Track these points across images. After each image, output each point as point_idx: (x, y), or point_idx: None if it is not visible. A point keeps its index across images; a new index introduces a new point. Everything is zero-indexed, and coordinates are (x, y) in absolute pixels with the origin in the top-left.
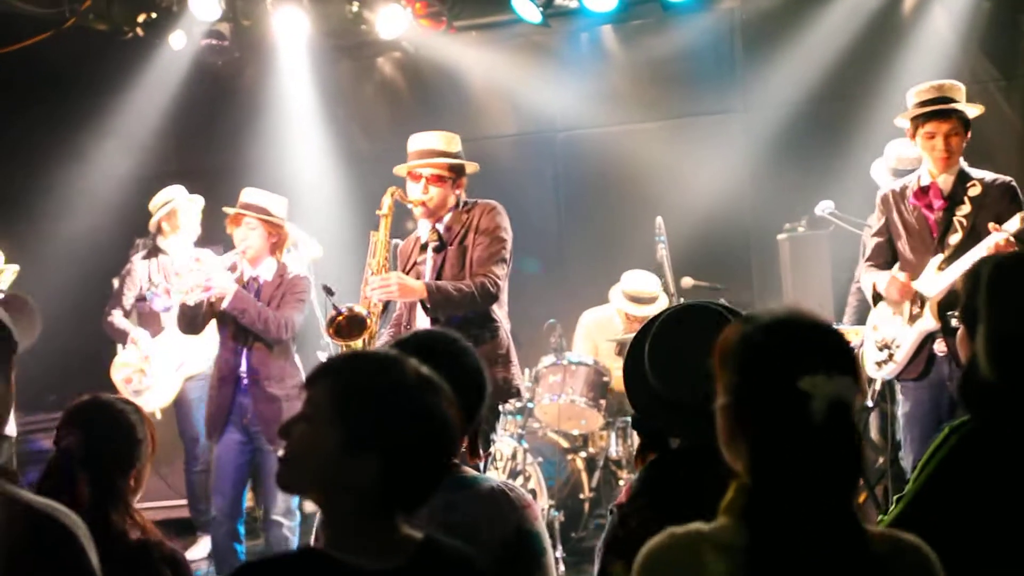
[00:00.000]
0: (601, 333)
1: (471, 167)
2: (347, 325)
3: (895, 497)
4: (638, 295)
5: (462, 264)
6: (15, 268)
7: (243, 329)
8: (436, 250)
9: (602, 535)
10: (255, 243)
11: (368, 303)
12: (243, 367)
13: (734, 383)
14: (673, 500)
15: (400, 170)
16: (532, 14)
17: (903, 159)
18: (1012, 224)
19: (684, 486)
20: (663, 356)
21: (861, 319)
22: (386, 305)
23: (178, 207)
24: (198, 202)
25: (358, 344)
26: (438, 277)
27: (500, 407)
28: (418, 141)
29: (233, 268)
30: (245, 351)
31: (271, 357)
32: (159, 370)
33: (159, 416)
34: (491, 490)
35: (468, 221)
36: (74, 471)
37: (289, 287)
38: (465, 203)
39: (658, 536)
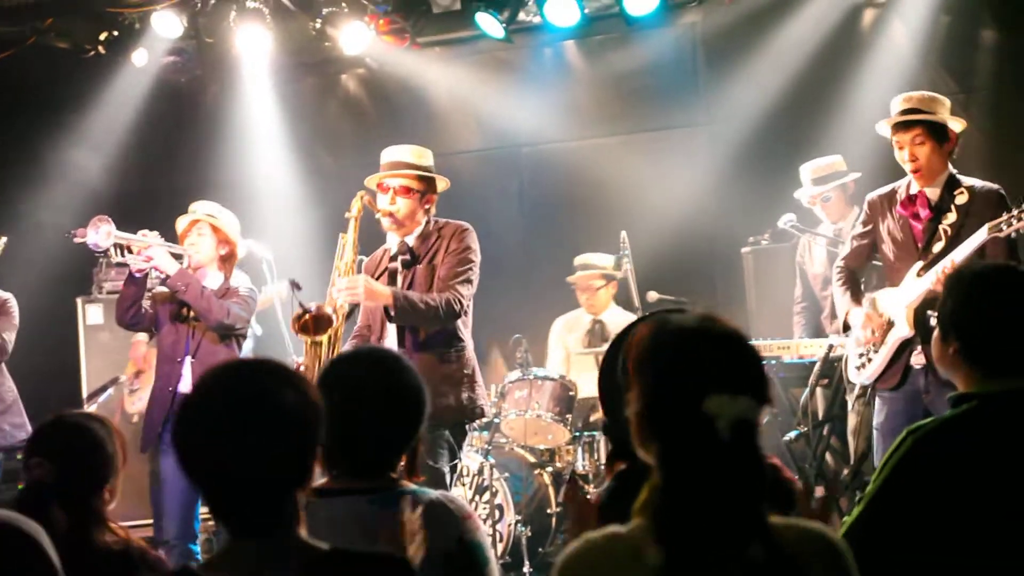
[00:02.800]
0: (570, 333)
1: (442, 182)
2: (313, 323)
3: (856, 499)
4: (584, 263)
5: (430, 283)
6: (3, 240)
7: (183, 337)
8: (405, 266)
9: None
10: (204, 249)
11: (334, 304)
12: (183, 381)
13: (644, 394)
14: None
15: (370, 182)
16: (495, 30)
17: (819, 167)
18: (977, 237)
19: None
20: None
21: (813, 334)
22: (352, 309)
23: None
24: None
25: (323, 339)
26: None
27: (467, 427)
28: (389, 154)
29: (177, 258)
30: (187, 360)
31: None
32: (149, 376)
33: (135, 420)
34: (430, 502)
35: (438, 241)
36: (46, 500)
37: (234, 292)
38: (436, 222)
39: (575, 542)
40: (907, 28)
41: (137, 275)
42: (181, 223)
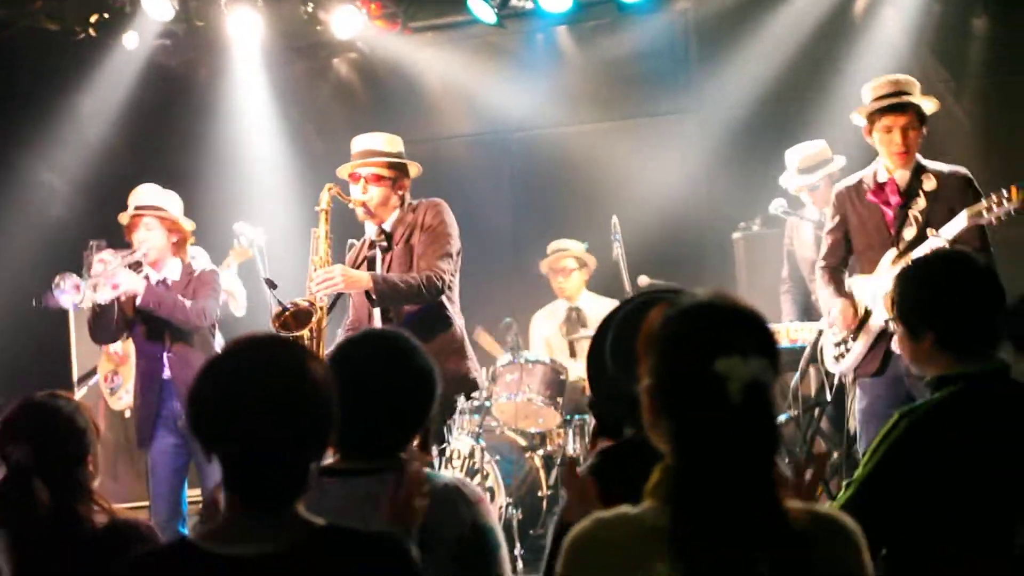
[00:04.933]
0: (548, 322)
1: (414, 168)
2: (293, 319)
3: (845, 483)
4: (555, 248)
5: (409, 263)
6: None
7: (159, 333)
8: (383, 250)
9: (552, 523)
10: (156, 243)
11: (313, 299)
12: (165, 372)
13: (655, 365)
14: (622, 490)
15: (342, 171)
16: (487, 15)
17: (806, 156)
18: (949, 230)
19: (633, 476)
20: (623, 345)
21: (802, 313)
22: (336, 300)
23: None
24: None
25: (304, 334)
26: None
27: (456, 400)
28: (358, 143)
29: (137, 267)
30: (165, 355)
31: (192, 355)
32: (129, 368)
33: (127, 415)
34: (444, 487)
35: (413, 220)
36: (29, 482)
37: (199, 283)
38: (410, 203)
39: (584, 521)
40: (899, 16)
41: (105, 304)
42: (123, 218)
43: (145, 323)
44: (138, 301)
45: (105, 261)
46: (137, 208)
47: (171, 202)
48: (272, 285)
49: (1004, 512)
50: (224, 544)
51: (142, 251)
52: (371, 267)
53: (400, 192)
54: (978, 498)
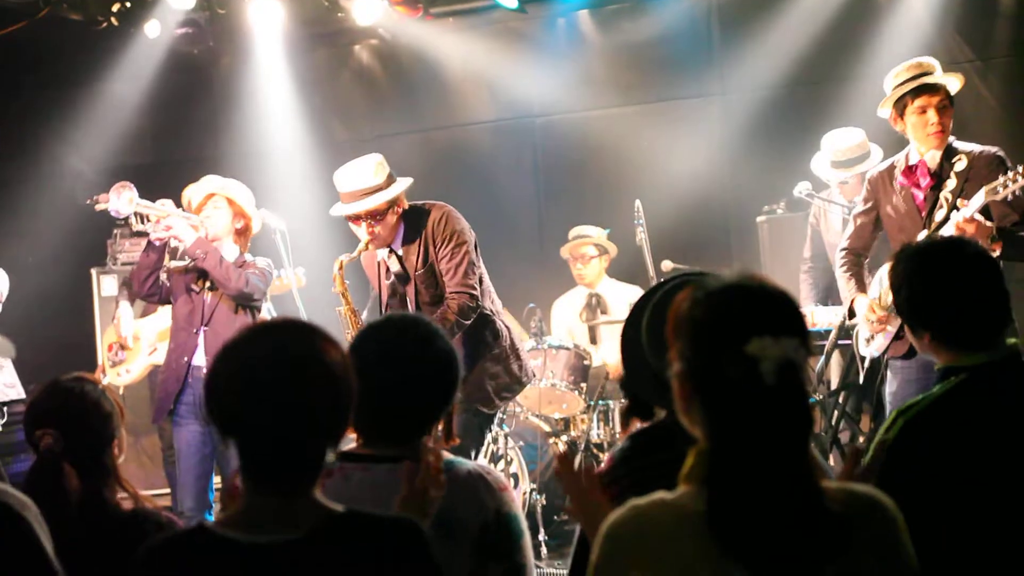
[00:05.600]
0: (569, 309)
1: (404, 184)
2: None
3: None
4: (576, 233)
5: (435, 283)
6: None
7: (200, 304)
8: (403, 281)
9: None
10: (220, 221)
11: None
12: (197, 352)
13: (686, 349)
14: (652, 472)
15: (336, 213)
16: (509, 0)
17: (841, 151)
18: (976, 200)
19: (664, 458)
20: (658, 327)
21: (823, 295)
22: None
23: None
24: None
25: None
26: (416, 305)
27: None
28: (345, 182)
29: (195, 229)
30: (201, 329)
31: (229, 334)
32: (136, 349)
33: (121, 392)
34: (468, 473)
35: (423, 240)
36: (59, 466)
37: (251, 265)
38: (411, 211)
39: (621, 508)
40: None
41: (156, 244)
42: (195, 197)
43: (188, 287)
44: (186, 245)
45: (166, 204)
46: (211, 187)
47: (244, 193)
48: None
49: (1004, 509)
50: (242, 530)
51: (205, 222)
52: (403, 303)
53: (399, 209)
54: (977, 496)
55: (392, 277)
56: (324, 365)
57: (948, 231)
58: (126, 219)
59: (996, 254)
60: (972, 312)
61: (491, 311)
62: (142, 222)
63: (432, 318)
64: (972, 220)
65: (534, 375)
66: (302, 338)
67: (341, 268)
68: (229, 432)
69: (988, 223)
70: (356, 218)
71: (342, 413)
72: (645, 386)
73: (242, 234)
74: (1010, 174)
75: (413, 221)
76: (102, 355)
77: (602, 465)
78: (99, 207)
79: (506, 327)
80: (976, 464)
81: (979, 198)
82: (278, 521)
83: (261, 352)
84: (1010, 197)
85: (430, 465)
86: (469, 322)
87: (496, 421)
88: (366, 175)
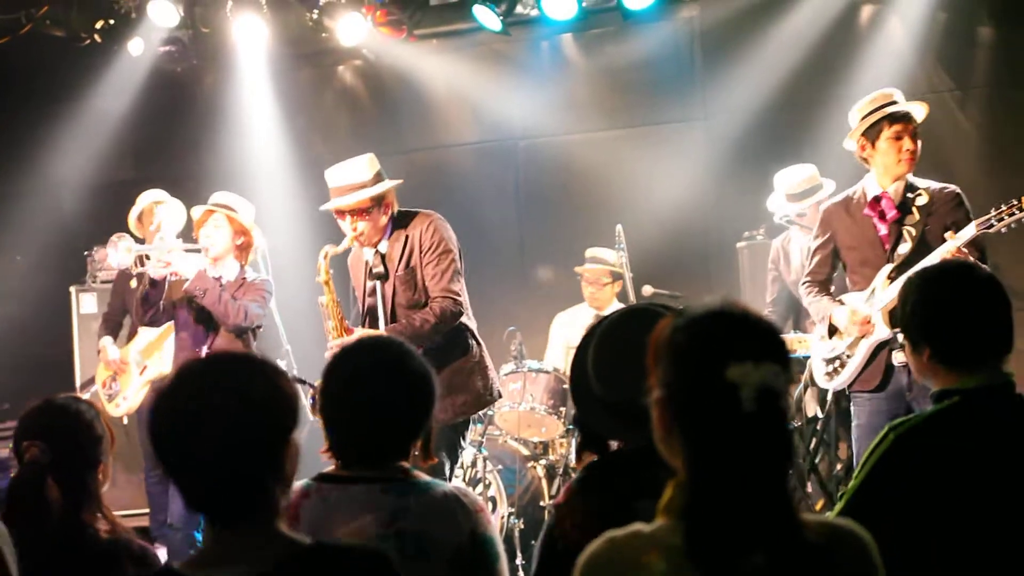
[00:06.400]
0: (571, 327)
1: (392, 184)
2: None
3: (839, 494)
4: (594, 256)
5: (414, 287)
6: None
7: (202, 328)
8: (382, 279)
9: (539, 535)
10: (221, 241)
11: None
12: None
13: (666, 376)
14: (609, 501)
15: (323, 208)
16: (492, 22)
17: (794, 184)
18: (966, 232)
19: (620, 488)
20: (604, 359)
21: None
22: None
23: (146, 209)
24: (173, 204)
25: None
26: (392, 307)
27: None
28: (335, 177)
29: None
30: (204, 350)
31: None
32: (128, 373)
33: (125, 422)
34: (444, 495)
35: (409, 241)
36: (43, 480)
37: (250, 287)
38: (400, 215)
39: (598, 540)
40: (904, 24)
41: (157, 280)
42: (196, 212)
43: (190, 315)
44: (186, 285)
45: (164, 238)
46: (213, 204)
47: (245, 208)
48: (302, 382)
49: (992, 528)
50: (208, 569)
51: (205, 242)
52: (382, 302)
53: (387, 211)
54: (966, 514)
55: (374, 278)
56: (248, 397)
57: (935, 260)
58: (126, 265)
59: None
60: (975, 332)
61: (466, 325)
62: (142, 264)
63: (411, 318)
64: (961, 251)
65: (500, 395)
66: (247, 371)
67: (327, 258)
68: (175, 471)
69: (971, 258)
70: (341, 213)
71: (276, 444)
72: (595, 418)
73: (243, 250)
74: (1003, 207)
75: (401, 224)
76: (98, 392)
77: (559, 496)
78: (99, 262)
79: (479, 344)
80: (965, 483)
81: (969, 230)
82: (242, 558)
83: (192, 392)
84: (1003, 231)
85: None
86: (449, 327)
87: (476, 444)
88: (354, 171)
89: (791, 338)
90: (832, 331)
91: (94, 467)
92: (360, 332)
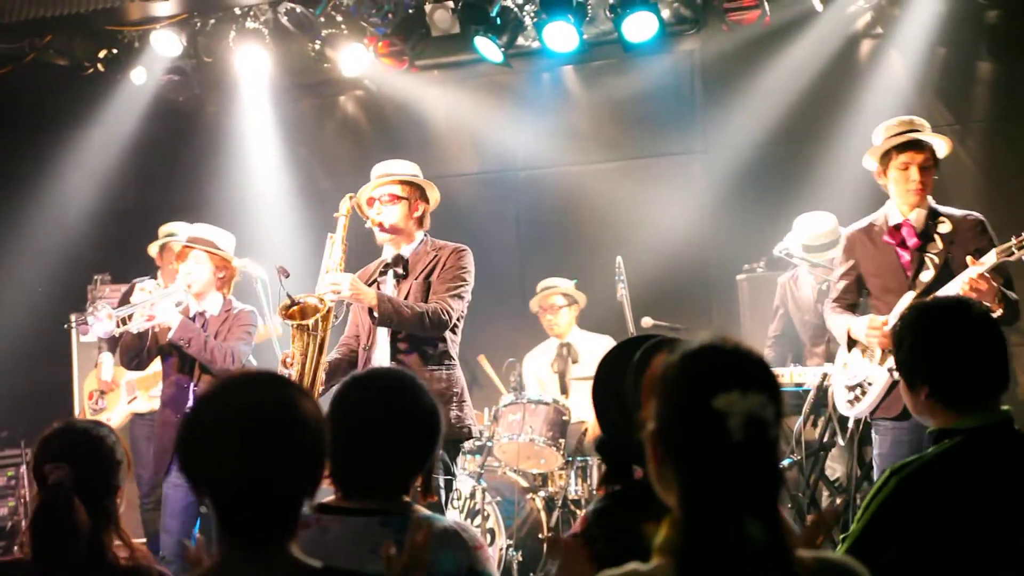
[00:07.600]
0: (540, 360)
1: (432, 191)
2: (300, 314)
3: (840, 536)
4: (544, 285)
5: (425, 299)
6: None
7: (189, 366)
8: (399, 277)
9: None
10: (201, 277)
11: (320, 298)
12: (189, 404)
13: (657, 408)
14: (624, 533)
15: (360, 195)
16: (494, 54)
17: (814, 235)
18: (989, 258)
19: (637, 520)
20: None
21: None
22: (346, 315)
23: (167, 245)
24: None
25: (308, 323)
26: None
27: (459, 445)
28: (376, 169)
29: (186, 312)
30: (191, 387)
31: None
32: (116, 395)
33: None
34: (444, 530)
35: (436, 259)
36: (71, 502)
37: (235, 321)
38: (434, 242)
39: None
40: (904, 59)
41: (139, 331)
42: (176, 245)
43: (179, 353)
44: (170, 335)
45: (146, 291)
46: (190, 239)
47: (224, 240)
48: (284, 274)
49: (998, 567)
50: None
51: (185, 283)
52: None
53: (416, 213)
54: (968, 557)
55: (385, 275)
56: (297, 419)
57: (956, 287)
58: (111, 332)
59: (998, 315)
60: (972, 371)
61: (451, 354)
62: (124, 323)
63: (407, 301)
64: (985, 277)
65: (470, 434)
66: (276, 391)
67: (352, 199)
68: (202, 486)
69: (994, 284)
70: (372, 201)
71: (314, 466)
72: (623, 445)
73: (226, 282)
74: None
75: (434, 245)
76: (83, 403)
77: (576, 524)
78: (84, 335)
79: (462, 378)
80: (971, 526)
81: (991, 257)
82: None
83: (231, 407)
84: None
85: (415, 544)
86: (427, 330)
87: (475, 476)
88: (399, 166)
89: (794, 371)
90: (851, 344)
91: (114, 492)
92: (350, 277)
